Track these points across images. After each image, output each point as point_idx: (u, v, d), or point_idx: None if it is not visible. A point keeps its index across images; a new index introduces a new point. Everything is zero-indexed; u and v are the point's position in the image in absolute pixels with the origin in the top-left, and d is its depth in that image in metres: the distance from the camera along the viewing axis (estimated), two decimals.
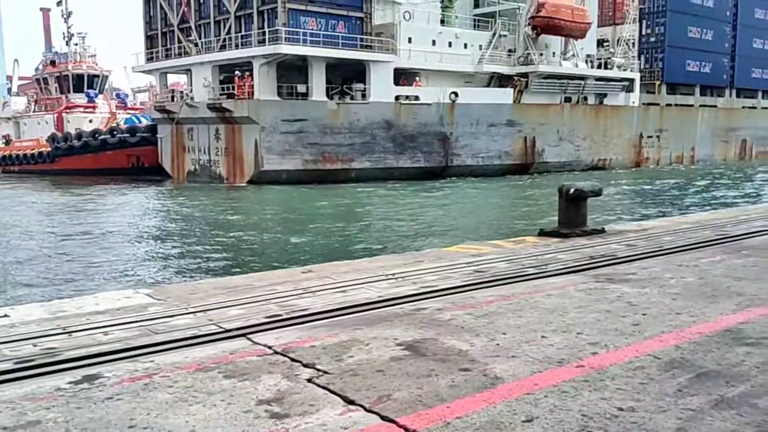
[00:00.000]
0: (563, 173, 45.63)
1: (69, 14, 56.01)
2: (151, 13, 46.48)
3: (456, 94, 42.52)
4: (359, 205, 29.68)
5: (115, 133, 46.41)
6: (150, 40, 46.70)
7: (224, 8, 40.21)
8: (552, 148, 47.98)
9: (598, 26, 52.97)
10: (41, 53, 63.87)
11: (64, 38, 56.32)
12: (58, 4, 55.77)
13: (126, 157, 45.89)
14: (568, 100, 49.57)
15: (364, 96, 39.69)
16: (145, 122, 48.87)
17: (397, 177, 39.57)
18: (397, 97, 40.49)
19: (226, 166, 39.53)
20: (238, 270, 15.04)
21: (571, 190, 8.02)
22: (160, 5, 45.04)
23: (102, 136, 46.19)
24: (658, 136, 56.38)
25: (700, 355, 4.05)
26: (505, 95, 45.37)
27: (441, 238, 19.33)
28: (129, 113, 55.13)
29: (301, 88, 38.41)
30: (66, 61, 55.70)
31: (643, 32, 57.24)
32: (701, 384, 3.59)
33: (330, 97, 38.82)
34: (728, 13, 63.93)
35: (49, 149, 48.45)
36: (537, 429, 3.06)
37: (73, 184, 39.99)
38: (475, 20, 47.25)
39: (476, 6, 49.28)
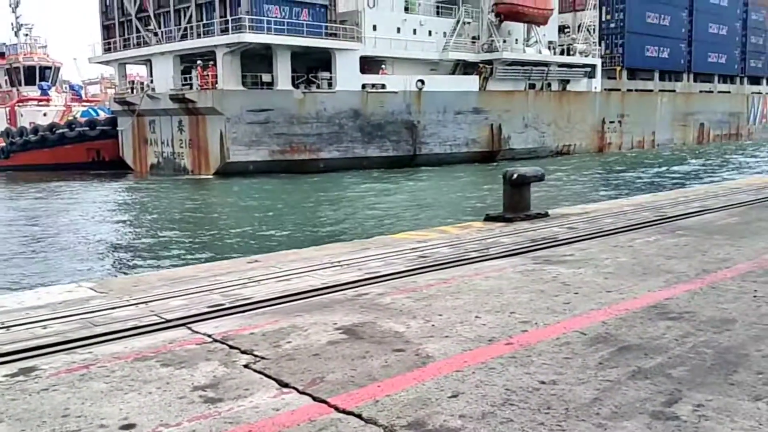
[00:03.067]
0: (529, 160, 46.17)
1: (17, 3, 54.36)
2: (107, 2, 45.47)
3: (422, 82, 42.66)
4: (324, 195, 29.71)
5: (73, 126, 45.21)
6: (107, 30, 45.66)
7: None
8: (518, 134, 48.43)
9: (559, 12, 53.37)
10: None
11: (12, 29, 54.80)
12: None
13: (85, 151, 44.79)
14: (532, 86, 50.00)
15: (330, 85, 39.58)
16: (103, 115, 47.87)
17: (366, 166, 39.57)
18: (363, 86, 40.44)
19: (190, 158, 39.13)
20: (193, 262, 15.03)
21: (514, 176, 8.22)
22: None
23: (60, 130, 45.00)
24: (619, 122, 57.26)
25: (624, 330, 4.24)
26: (470, 82, 45.63)
27: (399, 224, 19.54)
28: (85, 106, 53.91)
29: (266, 78, 38.13)
30: (16, 53, 54.18)
31: (603, 18, 57.90)
32: (622, 357, 3.77)
33: (296, 86, 38.63)
34: None
35: (3, 144, 47.00)
36: (461, 403, 3.19)
37: (29, 181, 39.09)
38: (438, 7, 47.28)
39: None
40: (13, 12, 54.46)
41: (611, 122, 56.28)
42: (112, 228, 22.22)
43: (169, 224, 22.47)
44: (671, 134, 63.96)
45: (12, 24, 54.64)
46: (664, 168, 41.09)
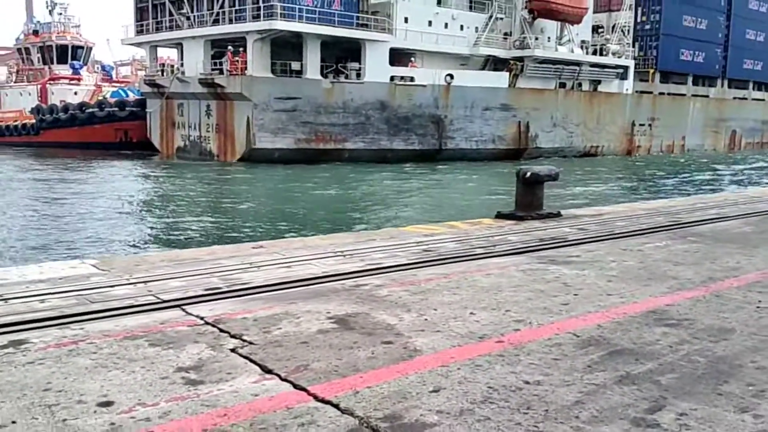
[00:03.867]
0: (556, 159, 45.82)
1: None
2: None
3: (451, 76, 42.44)
4: (345, 185, 29.79)
5: (103, 106, 45.82)
6: (140, 12, 46.09)
7: None
8: (545, 133, 48.02)
9: (594, 12, 52.89)
10: (22, 23, 62.74)
11: (47, 7, 55.26)
12: None
13: (114, 131, 45.37)
14: (562, 85, 49.53)
15: (358, 75, 39.57)
16: (133, 96, 48.33)
17: (391, 159, 39.55)
18: (392, 78, 40.36)
19: (216, 142, 39.45)
20: (203, 245, 15.17)
21: (528, 174, 8.15)
22: None
23: (90, 109, 45.56)
24: (650, 125, 56.50)
25: (619, 334, 4.17)
26: (500, 79, 45.29)
27: (413, 217, 19.52)
28: (115, 86, 54.41)
29: (295, 66, 38.23)
30: (49, 31, 54.62)
31: (638, 19, 57.11)
32: (612, 361, 3.71)
33: (324, 75, 38.67)
34: (722, 3, 63.88)
35: (33, 121, 47.58)
36: (441, 399, 3.17)
37: (57, 157, 39.73)
38: (471, 2, 46.98)
39: None
40: None
41: (641, 125, 55.55)
42: (130, 207, 22.53)
43: (187, 207, 22.71)
44: (702, 140, 62.96)
45: (46, 2, 55.15)
46: (689, 173, 40.51)
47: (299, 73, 38.14)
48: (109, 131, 45.14)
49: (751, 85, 70.74)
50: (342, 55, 39.74)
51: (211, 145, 39.88)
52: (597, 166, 43.22)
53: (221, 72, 38.26)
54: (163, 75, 43.34)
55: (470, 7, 46.46)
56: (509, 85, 45.67)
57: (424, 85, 41.37)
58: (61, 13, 55.43)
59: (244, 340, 3.86)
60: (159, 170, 35.69)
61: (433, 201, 25.17)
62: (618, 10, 54.90)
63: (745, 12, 66.86)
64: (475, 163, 41.15)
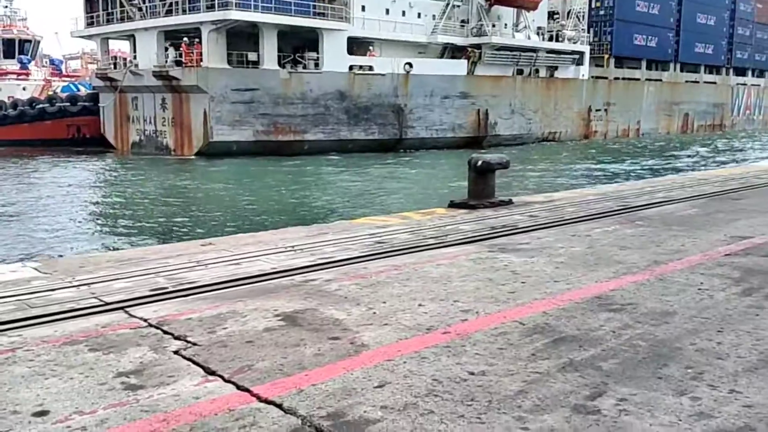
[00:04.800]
0: (515, 146, 46.25)
1: None
2: None
3: (410, 64, 42.46)
4: (303, 178, 29.62)
5: (54, 101, 44.56)
6: (90, 4, 44.87)
7: None
8: (504, 120, 48.42)
9: None
10: None
11: None
12: None
13: (66, 128, 44.07)
14: (520, 72, 49.92)
15: (317, 65, 39.32)
16: (84, 90, 47.14)
17: (351, 149, 39.44)
18: (350, 67, 40.21)
19: (173, 137, 38.83)
20: (154, 243, 14.95)
21: (479, 163, 8.20)
22: None
23: (40, 105, 44.27)
24: (606, 110, 57.42)
25: (564, 320, 4.22)
26: (458, 67, 45.47)
27: (368, 209, 19.55)
28: (65, 81, 53.02)
29: (251, 57, 37.82)
30: None
31: (593, 5, 57.87)
32: (555, 348, 3.75)
33: (282, 66, 38.33)
34: None
35: None
36: (386, 394, 3.16)
37: (5, 156, 38.62)
38: None
39: None
40: None
41: (597, 110, 56.43)
42: (80, 207, 22.01)
43: (139, 204, 22.31)
44: (656, 123, 64.29)
45: None
46: (643, 156, 41.29)
47: (256, 63, 37.75)
48: (61, 127, 43.90)
49: (702, 69, 72.32)
50: (299, 45, 39.44)
51: (168, 139, 39.23)
52: (555, 152, 43.75)
53: (177, 64, 37.60)
54: (115, 68, 42.41)
55: None
56: (468, 73, 45.90)
57: (383, 74, 41.33)
58: (6, 6, 53.79)
59: (188, 341, 3.80)
60: (113, 167, 35.00)
61: (390, 191, 25.20)
62: None
63: None
64: (436, 152, 41.30)
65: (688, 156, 42.97)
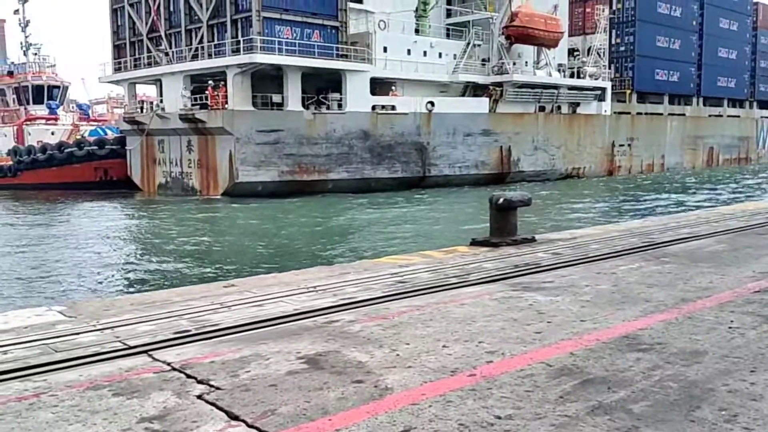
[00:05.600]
0: (538, 182, 46.15)
1: (27, 23, 54.35)
2: (119, 22, 46.06)
3: (432, 103, 42.76)
4: (328, 217, 29.71)
5: (82, 145, 45.34)
6: (117, 50, 46.22)
7: (196, 17, 40.04)
8: (527, 157, 48.38)
9: (569, 36, 53.67)
10: None
11: (21, 48, 54.82)
12: (15, 12, 53.82)
13: (93, 170, 44.83)
14: (542, 109, 50.03)
15: (340, 106, 39.74)
16: (111, 134, 47.95)
17: (375, 188, 39.57)
18: (373, 107, 40.58)
19: (199, 178, 39.30)
20: (180, 285, 14.98)
21: (500, 200, 8.16)
22: (129, 14, 44.65)
23: (68, 149, 45.05)
24: (629, 145, 57.17)
25: (591, 361, 4.14)
26: (480, 104, 45.70)
27: (391, 248, 19.46)
28: (92, 125, 53.97)
29: (276, 98, 38.29)
30: (24, 72, 54.21)
31: (613, 41, 58.10)
32: (584, 390, 3.67)
33: (306, 107, 38.79)
34: (694, 23, 65.24)
35: (11, 163, 46.60)
36: None
37: (36, 199, 39.31)
38: (448, 29, 47.61)
39: (449, 15, 49.61)
40: (23, 31, 54.70)
41: (621, 145, 56.19)
42: (107, 249, 22.15)
43: (165, 246, 22.43)
44: (681, 158, 63.85)
45: (21, 43, 54.77)
46: (668, 191, 40.89)
47: (280, 105, 38.23)
48: (89, 170, 44.67)
49: (725, 102, 72.00)
50: (323, 86, 39.93)
51: (194, 180, 39.72)
52: (579, 188, 43.53)
53: (203, 107, 38.25)
54: (142, 112, 43.26)
55: (447, 35, 47.07)
56: (489, 110, 46.06)
57: (405, 113, 41.63)
58: (36, 53, 55.20)
59: (211, 385, 3.78)
60: (139, 208, 35.41)
61: (413, 230, 25.14)
62: (593, 33, 55.76)
63: (716, 31, 68.25)
64: (459, 189, 41.30)
65: (714, 190, 42.48)
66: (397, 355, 4.30)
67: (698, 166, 65.85)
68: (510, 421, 3.30)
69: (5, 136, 51.20)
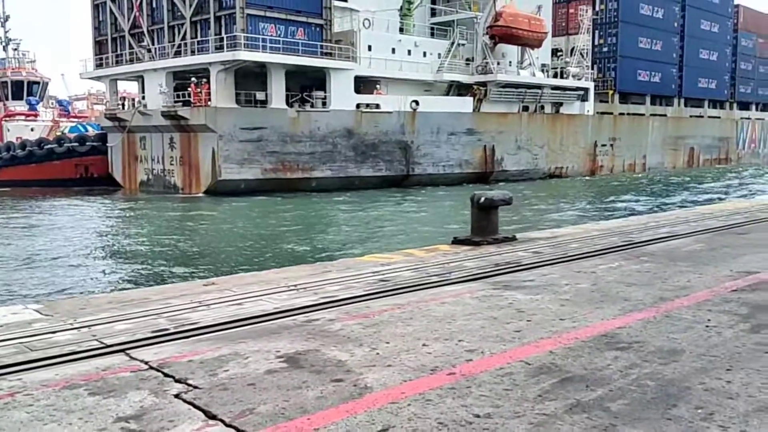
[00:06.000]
0: (522, 181, 46.36)
1: (6, 18, 53.82)
2: (101, 18, 45.58)
3: (417, 102, 42.81)
4: (312, 215, 29.65)
5: (62, 142, 44.79)
6: (99, 46, 45.72)
7: (179, 13, 39.73)
8: (511, 156, 48.59)
9: (552, 36, 53.95)
10: None
11: (0, 43, 54.08)
12: None
13: (74, 167, 44.28)
14: (525, 109, 50.24)
15: (324, 104, 39.65)
16: (92, 131, 47.46)
17: (359, 186, 39.57)
18: (357, 105, 40.55)
19: (181, 175, 39.03)
20: (158, 283, 14.86)
21: (482, 199, 8.18)
22: (110, 10, 44.17)
23: (48, 145, 44.45)
24: (611, 145, 57.61)
25: (570, 360, 4.15)
26: (464, 104, 45.82)
27: (374, 245, 19.46)
28: (73, 121, 53.39)
29: (259, 96, 38.12)
30: (4, 68, 53.39)
31: (596, 42, 58.47)
32: (563, 388, 3.68)
33: (290, 104, 38.67)
34: (676, 24, 65.85)
35: None
36: None
37: (14, 197, 38.80)
38: (432, 29, 47.66)
39: (433, 14, 49.68)
40: (2, 26, 54.04)
41: (603, 145, 56.60)
42: (87, 246, 21.90)
43: (145, 244, 22.23)
44: (662, 158, 64.46)
45: (0, 39, 54.13)
46: (649, 192, 41.25)
47: (264, 102, 38.07)
48: (70, 167, 44.13)
49: (706, 103, 72.74)
50: (307, 84, 39.83)
51: (176, 178, 39.44)
52: (561, 188, 43.78)
53: (185, 104, 37.97)
54: (123, 108, 42.85)
55: (432, 34, 47.11)
56: (474, 110, 46.20)
57: (390, 112, 41.64)
58: (15, 49, 54.49)
59: (189, 385, 3.75)
60: (120, 206, 35.06)
61: (396, 228, 25.15)
62: (576, 33, 56.04)
63: (698, 32, 68.92)
64: (443, 188, 41.38)
65: (693, 190, 42.90)
66: (377, 353, 4.29)
67: (679, 166, 66.53)
68: (489, 419, 3.30)
69: None
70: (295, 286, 6.18)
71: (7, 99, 52.43)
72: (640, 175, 56.22)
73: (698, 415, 3.33)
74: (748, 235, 9.63)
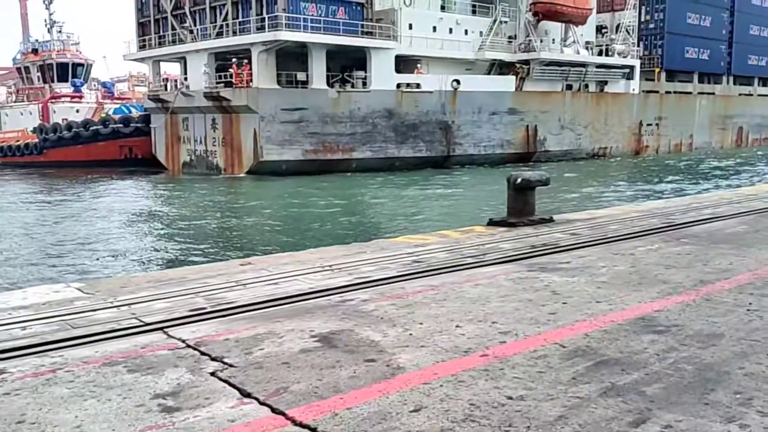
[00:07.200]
0: (564, 161, 45.73)
1: (51, 1, 54.78)
2: (143, 0, 46.27)
3: (458, 81, 42.44)
4: (353, 196, 29.76)
5: (107, 123, 45.58)
6: (141, 27, 46.28)
7: None
8: (553, 136, 47.94)
9: (597, 12, 52.76)
10: (19, 42, 62.54)
11: (45, 25, 55.09)
12: None
13: (118, 148, 45.10)
14: (569, 87, 49.41)
15: (364, 84, 39.58)
16: (136, 112, 48.36)
17: (399, 167, 39.53)
18: (398, 85, 40.37)
19: (223, 156, 39.51)
20: (200, 263, 15.10)
21: (518, 180, 8.09)
22: None
23: (93, 127, 45.23)
24: (657, 124, 56.37)
25: (606, 343, 4.10)
26: (506, 83, 45.27)
27: (411, 226, 19.48)
28: (117, 103, 54.26)
29: (300, 76, 38.23)
30: (49, 50, 54.45)
31: (642, 18, 57.00)
32: (597, 372, 3.65)
33: (330, 85, 38.69)
34: (726, 0, 63.64)
35: (37, 140, 46.93)
36: (422, 418, 3.11)
37: (61, 177, 39.72)
38: (474, 6, 47.03)
39: None
40: (47, 8, 54.93)
41: (649, 125, 55.41)
42: (130, 227, 22.45)
43: (188, 224, 22.66)
44: (709, 137, 62.84)
45: (45, 21, 54.95)
46: (695, 172, 40.31)
47: (305, 83, 38.18)
48: (114, 148, 44.93)
49: (756, 81, 70.59)
50: (347, 64, 39.77)
51: (218, 159, 39.94)
52: (604, 168, 43.06)
53: (227, 85, 38.29)
54: (166, 90, 43.43)
55: (473, 12, 46.49)
56: (516, 89, 45.62)
57: (430, 92, 41.38)
58: (60, 31, 55.35)
59: (225, 363, 3.82)
60: (164, 186, 35.68)
61: (434, 209, 25.11)
62: (622, 9, 54.72)
63: (748, 8, 66.74)
64: (484, 169, 41.06)
65: (740, 170, 41.78)
66: (410, 334, 4.30)
67: (727, 145, 64.78)
68: (521, 401, 3.29)
69: (30, 113, 51.63)
70: (330, 266, 6.21)
71: (52, 81, 53.56)
72: (685, 156, 54.95)
73: (737, 400, 3.27)
74: None
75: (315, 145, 38.23)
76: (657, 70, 57.60)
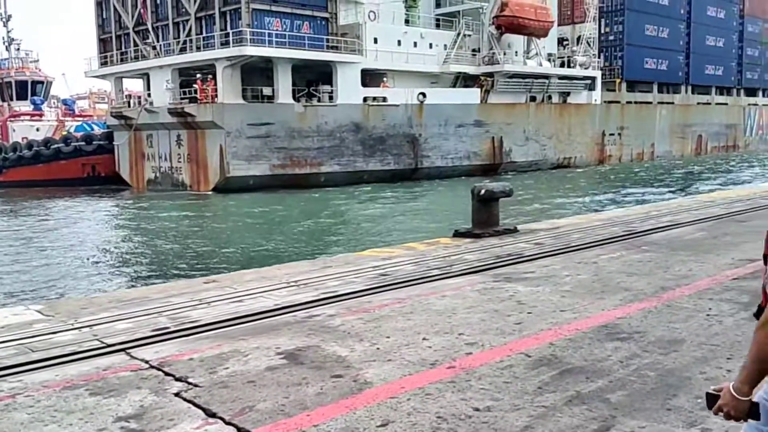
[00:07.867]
0: (530, 172, 46.20)
1: (8, 18, 53.61)
2: (104, 16, 45.58)
3: (424, 94, 42.67)
4: (320, 210, 29.62)
5: (69, 141, 44.64)
6: (103, 44, 45.72)
7: (183, 9, 39.66)
8: (519, 147, 48.41)
9: (558, 25, 53.59)
10: None
11: (3, 43, 53.97)
12: None
13: (81, 167, 44.16)
14: (533, 99, 50.02)
15: (331, 98, 39.54)
16: (98, 129, 47.46)
17: (367, 180, 39.48)
18: (365, 99, 40.43)
19: (189, 173, 39.04)
20: (163, 282, 14.85)
21: (482, 191, 8.16)
22: (114, 7, 44.17)
23: (55, 145, 44.23)
24: (619, 134, 57.34)
25: (570, 351, 4.15)
26: (471, 95, 45.64)
27: (377, 239, 19.50)
28: (78, 120, 53.35)
29: (266, 91, 38.01)
30: (7, 68, 53.36)
31: (602, 31, 58.08)
32: (562, 380, 3.69)
33: (296, 99, 38.57)
34: (682, 11, 65.49)
35: None
36: None
37: (22, 197, 38.85)
38: (438, 20, 47.48)
39: (438, 5, 49.51)
40: (5, 26, 53.98)
41: (611, 134, 56.35)
42: (92, 246, 21.90)
43: (152, 242, 22.27)
44: (670, 146, 64.17)
45: (3, 38, 53.89)
46: (656, 180, 41.04)
47: (271, 98, 37.98)
48: (76, 167, 43.98)
49: (713, 90, 72.24)
50: (313, 78, 39.72)
51: (184, 175, 39.46)
52: (567, 178, 43.62)
53: (191, 101, 37.94)
54: (129, 106, 42.88)
55: (437, 25, 46.92)
56: (481, 101, 46.02)
57: (397, 105, 41.52)
58: (18, 49, 54.42)
59: (189, 383, 3.78)
60: (127, 204, 35.08)
61: (401, 222, 25.12)
62: (582, 22, 55.67)
63: (704, 19, 68.43)
64: (451, 181, 41.27)
65: (699, 178, 42.65)
66: (378, 348, 4.30)
67: (687, 154, 66.13)
68: (488, 413, 3.31)
69: None
70: (296, 282, 6.19)
71: (11, 99, 52.31)
72: (647, 164, 55.94)
73: (698, 405, 3.33)
74: (749, 222, 9.58)
75: (282, 160, 38.01)
76: (618, 80, 58.67)
